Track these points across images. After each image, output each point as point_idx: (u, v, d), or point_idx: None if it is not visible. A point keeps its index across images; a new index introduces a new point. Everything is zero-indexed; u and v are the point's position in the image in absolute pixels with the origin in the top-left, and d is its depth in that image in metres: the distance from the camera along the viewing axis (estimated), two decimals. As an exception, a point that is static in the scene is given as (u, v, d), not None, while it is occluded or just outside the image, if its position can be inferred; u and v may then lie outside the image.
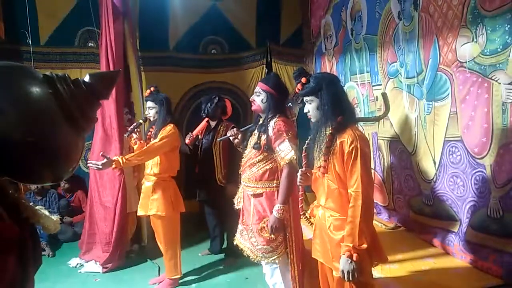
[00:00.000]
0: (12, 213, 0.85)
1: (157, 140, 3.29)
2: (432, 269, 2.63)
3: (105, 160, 3.11)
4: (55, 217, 1.00)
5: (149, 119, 3.52)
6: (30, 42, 4.16)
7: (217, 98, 4.03)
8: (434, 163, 3.00)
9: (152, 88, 3.49)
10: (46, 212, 0.98)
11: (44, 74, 0.90)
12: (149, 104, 3.45)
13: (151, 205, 3.40)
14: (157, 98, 3.42)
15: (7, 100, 0.82)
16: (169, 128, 3.35)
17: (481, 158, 2.57)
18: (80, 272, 3.94)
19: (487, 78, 2.48)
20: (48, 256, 4.32)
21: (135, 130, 3.58)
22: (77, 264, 4.07)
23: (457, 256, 2.74)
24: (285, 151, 2.52)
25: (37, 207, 0.96)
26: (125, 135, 3.77)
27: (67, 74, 0.92)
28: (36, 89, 0.86)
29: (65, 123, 0.88)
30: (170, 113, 3.46)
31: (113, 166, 3.15)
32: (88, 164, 3.18)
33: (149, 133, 3.54)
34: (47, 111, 0.86)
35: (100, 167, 3.13)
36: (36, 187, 4.60)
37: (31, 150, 0.84)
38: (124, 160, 3.19)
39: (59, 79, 0.89)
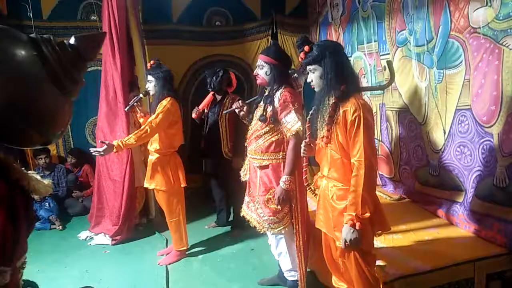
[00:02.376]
0: (1, 175, 0.86)
1: (153, 117, 3.28)
2: (436, 239, 2.64)
3: (105, 146, 3.12)
4: (47, 181, 1.01)
5: (149, 93, 3.51)
6: (31, 15, 4.11)
7: (222, 71, 3.99)
8: (444, 132, 2.96)
9: (152, 62, 3.46)
10: (38, 176, 0.98)
11: (29, 36, 0.89)
12: (149, 77, 3.43)
13: (152, 179, 3.45)
14: (155, 72, 3.40)
15: None
16: (165, 102, 3.31)
17: (489, 127, 2.53)
18: (90, 244, 4.02)
19: (498, 44, 2.41)
20: (59, 229, 4.42)
21: (135, 103, 3.56)
22: (87, 237, 4.15)
23: (461, 226, 2.74)
24: (291, 122, 2.51)
25: (29, 172, 0.96)
26: (125, 109, 3.76)
27: (52, 36, 0.91)
28: (20, 52, 0.85)
29: (50, 86, 0.88)
30: (167, 87, 3.40)
31: (114, 150, 3.16)
32: (92, 151, 3.19)
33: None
34: (32, 73, 0.85)
35: (102, 153, 3.14)
36: (44, 162, 4.66)
37: (17, 113, 0.84)
38: (124, 144, 3.19)
39: (44, 41, 0.89)
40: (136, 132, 3.30)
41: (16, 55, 0.84)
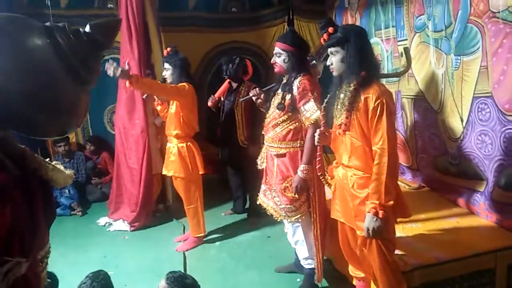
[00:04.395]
0: (18, 164, 0.85)
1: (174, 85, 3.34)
2: (456, 228, 2.61)
3: (126, 67, 3.02)
4: (69, 172, 0.99)
5: (166, 81, 3.51)
6: (49, 4, 4.14)
7: (238, 59, 3.96)
8: (462, 120, 2.91)
9: (168, 49, 3.46)
10: (61, 167, 0.97)
11: (44, 24, 0.87)
12: (166, 65, 3.44)
13: (170, 166, 3.49)
14: (171, 59, 3.40)
15: (6, 52, 0.81)
16: (183, 84, 3.34)
17: (512, 115, 2.48)
18: (109, 230, 4.10)
19: (521, 29, 2.35)
20: (79, 215, 4.51)
21: None
22: (106, 223, 4.22)
23: (482, 215, 2.70)
24: (310, 111, 2.49)
25: (54, 161, 0.96)
26: (143, 96, 3.78)
27: (67, 25, 0.89)
28: (35, 41, 0.84)
29: (66, 75, 0.86)
30: (184, 74, 3.42)
31: (129, 80, 3.01)
32: (106, 69, 2.93)
33: None
34: (46, 62, 0.84)
35: (116, 74, 2.93)
36: (63, 149, 4.73)
37: (31, 103, 0.83)
38: (141, 79, 3.17)
39: (58, 30, 0.87)
40: (152, 80, 3.40)
41: (30, 44, 0.83)
